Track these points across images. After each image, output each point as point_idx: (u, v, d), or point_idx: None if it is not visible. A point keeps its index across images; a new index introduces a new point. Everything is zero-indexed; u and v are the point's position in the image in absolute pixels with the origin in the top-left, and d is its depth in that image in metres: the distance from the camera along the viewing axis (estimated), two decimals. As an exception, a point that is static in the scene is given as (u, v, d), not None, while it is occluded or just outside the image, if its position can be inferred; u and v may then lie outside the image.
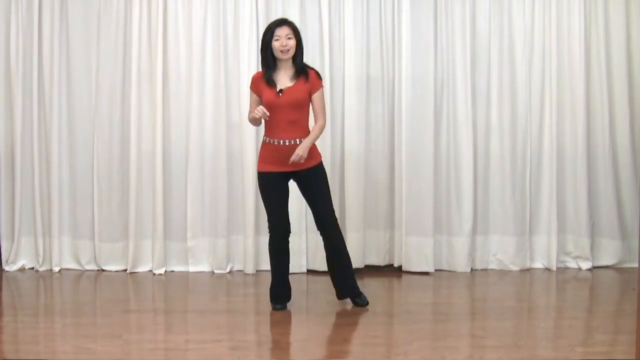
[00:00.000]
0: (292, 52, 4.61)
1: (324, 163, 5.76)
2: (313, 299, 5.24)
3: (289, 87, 4.60)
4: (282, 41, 4.57)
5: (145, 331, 4.44)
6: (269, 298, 4.82)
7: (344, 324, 4.61)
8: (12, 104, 5.74)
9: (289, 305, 4.79)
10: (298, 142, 4.59)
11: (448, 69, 5.80)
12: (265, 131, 4.70)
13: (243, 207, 5.72)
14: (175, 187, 5.79)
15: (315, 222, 4.77)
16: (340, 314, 4.81)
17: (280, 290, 4.79)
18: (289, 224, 4.73)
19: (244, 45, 5.68)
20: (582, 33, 5.81)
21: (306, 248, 5.76)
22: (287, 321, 4.58)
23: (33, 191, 5.74)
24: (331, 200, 4.78)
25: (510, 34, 5.83)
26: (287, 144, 4.59)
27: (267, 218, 4.73)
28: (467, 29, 5.76)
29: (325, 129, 5.69)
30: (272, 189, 4.66)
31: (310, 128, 4.69)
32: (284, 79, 4.64)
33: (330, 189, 5.71)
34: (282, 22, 4.67)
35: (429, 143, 5.76)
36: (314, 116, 4.71)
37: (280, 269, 4.76)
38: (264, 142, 4.69)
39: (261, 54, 4.67)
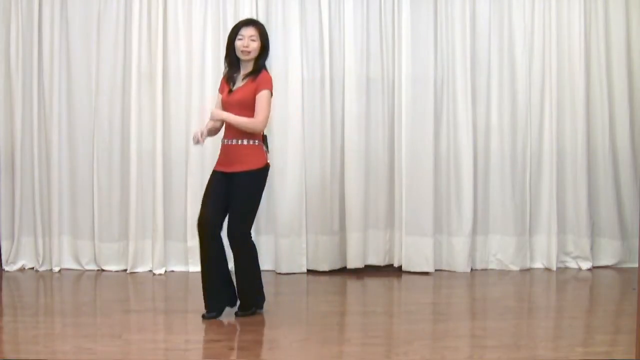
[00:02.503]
0: (253, 55, 4.50)
1: (324, 162, 5.79)
2: (313, 299, 5.24)
3: (239, 87, 4.52)
4: (245, 41, 4.48)
5: (145, 331, 4.44)
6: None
7: (344, 324, 4.61)
8: (12, 104, 5.74)
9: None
10: (239, 143, 4.45)
11: (448, 69, 5.80)
12: None
13: (243, 207, 5.72)
14: (175, 187, 5.79)
15: (227, 231, 4.53)
16: (340, 314, 4.82)
17: (208, 293, 4.53)
18: (215, 218, 4.48)
19: (244, 45, 5.68)
20: (582, 33, 5.81)
21: (306, 248, 5.76)
22: (287, 321, 4.58)
23: (33, 191, 5.74)
24: (246, 214, 4.48)
25: (510, 34, 5.83)
26: (229, 143, 4.49)
27: None
28: (467, 29, 5.76)
29: (325, 129, 5.74)
30: (208, 185, 4.57)
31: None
32: (239, 79, 4.56)
33: (331, 189, 5.75)
34: (249, 22, 4.61)
35: (429, 143, 5.76)
36: (254, 114, 4.46)
37: (208, 271, 4.51)
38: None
39: (225, 52, 4.61)
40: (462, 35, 5.77)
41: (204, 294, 4.54)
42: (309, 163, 5.76)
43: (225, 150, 4.53)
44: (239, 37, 4.50)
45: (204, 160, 5.73)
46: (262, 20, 5.68)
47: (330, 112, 5.75)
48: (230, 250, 4.54)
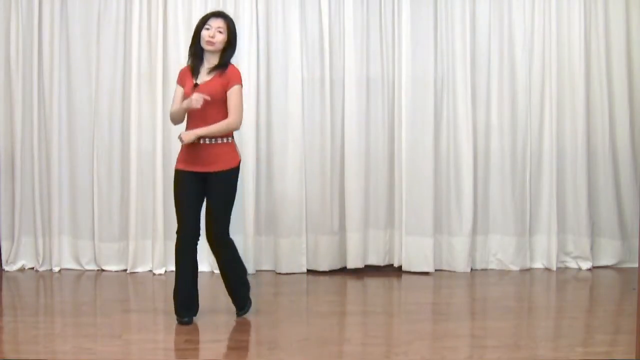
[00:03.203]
0: (218, 46, 4.37)
1: (324, 162, 5.78)
2: (313, 299, 5.24)
3: (205, 81, 4.37)
4: (212, 31, 4.34)
5: (145, 331, 4.44)
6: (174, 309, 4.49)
7: (344, 324, 4.61)
8: (12, 104, 5.74)
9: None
10: (213, 142, 4.35)
11: (448, 69, 5.80)
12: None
13: (243, 207, 5.72)
14: (175, 187, 5.79)
15: (205, 232, 4.48)
16: (340, 314, 4.82)
17: (184, 300, 4.45)
18: (197, 227, 4.41)
19: (244, 45, 5.68)
20: (582, 33, 5.81)
21: (306, 248, 5.76)
22: (287, 321, 4.58)
23: (33, 191, 5.74)
24: (227, 214, 4.44)
25: (510, 34, 5.83)
26: (203, 142, 4.34)
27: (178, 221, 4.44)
28: (467, 29, 5.76)
29: (325, 129, 5.73)
30: (181, 188, 4.40)
31: None
32: (204, 72, 4.41)
33: (330, 189, 5.76)
34: (219, 14, 4.46)
35: (429, 143, 5.76)
36: (228, 113, 4.39)
37: (184, 276, 4.43)
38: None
39: (190, 43, 4.47)
40: (462, 35, 5.76)
41: (178, 300, 4.44)
42: (309, 163, 5.76)
43: (196, 149, 4.35)
44: (206, 26, 4.37)
45: (204, 160, 5.73)
46: (262, 20, 5.71)
47: (330, 112, 5.74)
48: (213, 254, 4.54)
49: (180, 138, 4.36)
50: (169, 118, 5.72)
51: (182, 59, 5.72)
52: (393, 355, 3.98)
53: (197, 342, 4.21)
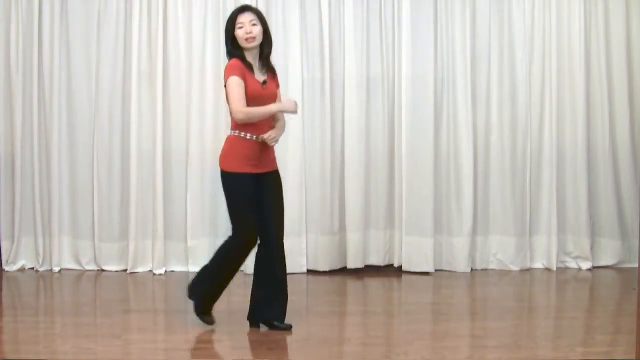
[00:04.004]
0: (258, 40, 4.18)
1: (324, 162, 5.81)
2: (313, 299, 5.24)
3: (266, 80, 4.24)
4: (247, 27, 4.14)
5: (145, 331, 4.44)
6: (197, 313, 4.39)
7: (344, 324, 4.61)
8: (12, 104, 5.74)
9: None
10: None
11: (448, 69, 5.80)
12: (239, 127, 4.16)
13: (243, 207, 5.72)
14: (175, 187, 5.79)
15: (261, 234, 4.22)
16: (340, 314, 4.82)
17: (212, 304, 4.39)
18: (257, 234, 4.22)
19: (244, 45, 5.68)
20: (582, 33, 5.81)
21: (306, 248, 5.75)
22: (287, 321, 4.57)
23: (33, 191, 5.74)
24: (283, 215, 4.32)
25: (510, 34, 5.83)
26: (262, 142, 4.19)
27: (234, 225, 4.18)
28: (467, 29, 5.76)
29: (325, 129, 5.76)
30: (248, 194, 4.15)
31: None
32: (256, 70, 4.22)
33: (331, 189, 5.76)
34: (245, 8, 4.26)
35: (429, 143, 5.76)
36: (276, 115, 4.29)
37: (226, 283, 4.32)
38: (239, 138, 4.16)
39: (226, 47, 4.24)
40: (462, 35, 5.76)
41: (211, 302, 4.36)
42: (309, 163, 5.76)
43: (262, 149, 4.19)
44: (238, 25, 4.17)
45: (204, 160, 5.74)
46: (262, 20, 5.70)
47: (330, 112, 5.74)
48: (262, 255, 4.29)
49: (270, 139, 4.17)
50: (168, 118, 5.76)
51: (182, 59, 5.75)
52: (393, 355, 3.98)
53: (197, 342, 4.21)
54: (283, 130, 4.31)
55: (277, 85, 4.34)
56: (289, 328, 4.34)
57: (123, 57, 5.74)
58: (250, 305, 4.38)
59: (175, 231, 5.82)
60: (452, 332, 4.37)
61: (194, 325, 4.47)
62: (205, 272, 4.38)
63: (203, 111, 5.73)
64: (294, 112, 4.27)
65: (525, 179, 5.85)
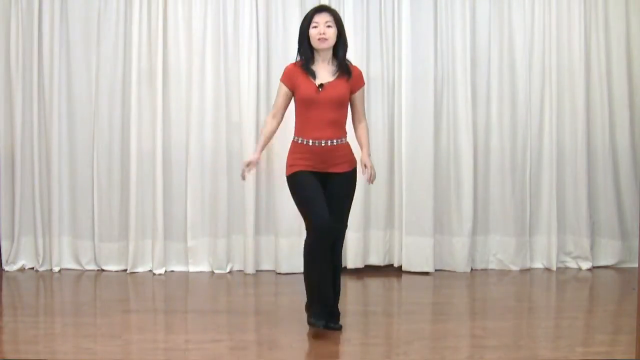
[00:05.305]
0: (331, 42, 4.15)
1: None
2: (313, 299, 5.23)
3: (330, 82, 4.15)
4: (320, 28, 4.12)
5: (145, 331, 4.44)
6: (309, 315, 4.30)
7: (344, 324, 4.60)
8: (12, 104, 5.74)
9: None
10: (336, 143, 4.17)
11: (448, 69, 5.80)
12: (296, 131, 4.24)
13: (243, 207, 5.72)
14: (175, 187, 5.79)
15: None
16: (341, 314, 4.81)
17: (324, 302, 4.26)
18: (332, 224, 4.15)
19: (244, 45, 5.68)
20: (582, 33, 5.81)
21: (306, 248, 5.75)
22: (287, 321, 4.58)
23: (33, 191, 5.74)
24: (348, 212, 4.31)
25: (510, 34, 5.83)
26: (324, 145, 4.15)
27: (306, 221, 4.21)
28: (467, 29, 5.76)
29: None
30: (308, 186, 4.13)
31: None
32: (324, 72, 4.18)
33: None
34: (322, 8, 4.23)
35: (429, 143, 5.76)
36: (357, 117, 4.32)
37: (323, 278, 4.21)
38: (293, 142, 4.23)
39: (298, 44, 4.23)
40: (462, 35, 5.76)
41: (320, 302, 4.25)
42: (309, 163, 5.75)
43: (322, 152, 4.15)
44: (313, 25, 4.15)
45: (204, 160, 5.74)
46: (262, 21, 5.70)
47: (330, 112, 5.74)
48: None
49: (370, 170, 4.21)
50: (168, 118, 5.75)
51: (182, 58, 5.74)
52: (393, 355, 3.99)
53: (197, 342, 4.20)
54: (369, 147, 4.30)
55: (356, 89, 4.24)
56: (339, 328, 4.33)
57: (123, 57, 5.74)
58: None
59: (175, 231, 5.82)
60: (452, 332, 4.37)
61: (194, 325, 4.47)
62: (304, 279, 4.33)
63: (203, 111, 5.73)
64: (242, 177, 4.34)
65: (525, 179, 5.85)
